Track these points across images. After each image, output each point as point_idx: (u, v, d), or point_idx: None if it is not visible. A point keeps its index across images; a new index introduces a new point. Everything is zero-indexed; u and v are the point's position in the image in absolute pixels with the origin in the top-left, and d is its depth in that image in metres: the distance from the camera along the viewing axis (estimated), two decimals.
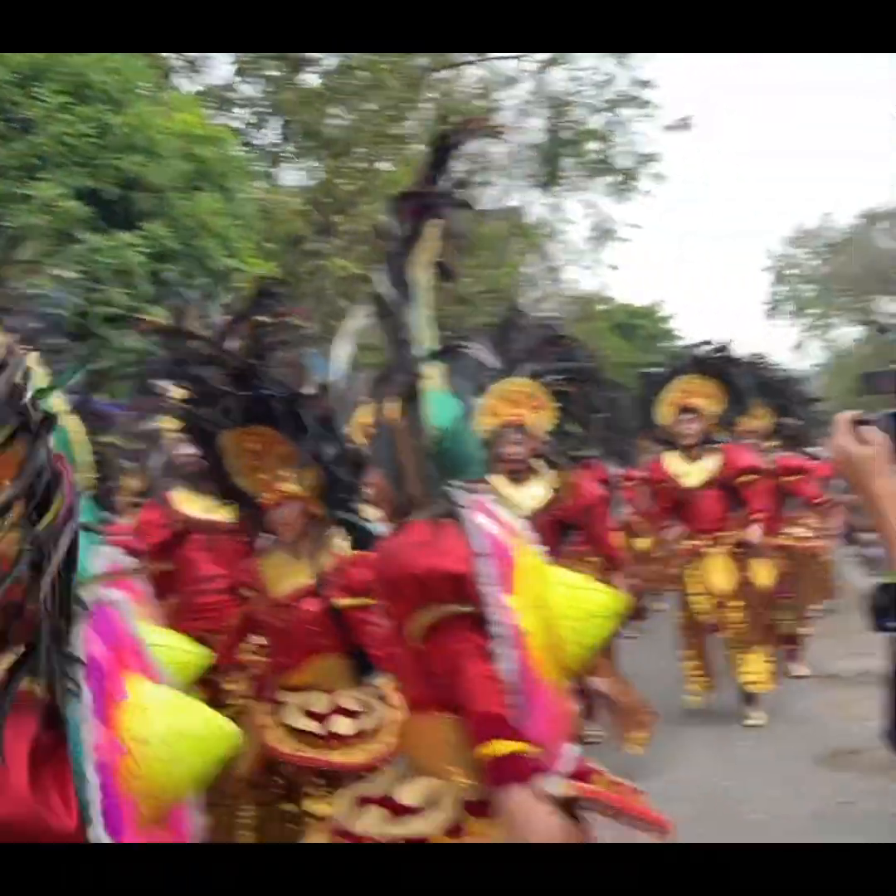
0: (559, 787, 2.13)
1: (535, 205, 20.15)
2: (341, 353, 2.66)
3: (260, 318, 3.54)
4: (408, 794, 2.14)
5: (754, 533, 6.73)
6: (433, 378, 2.38)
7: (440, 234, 2.46)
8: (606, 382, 6.35)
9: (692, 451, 6.75)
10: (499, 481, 5.13)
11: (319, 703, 3.36)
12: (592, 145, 18.30)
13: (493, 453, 5.04)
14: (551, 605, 2.14)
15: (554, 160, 18.25)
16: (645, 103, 18.04)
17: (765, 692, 6.88)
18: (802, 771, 5.74)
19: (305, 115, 12.98)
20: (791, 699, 7.38)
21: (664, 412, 6.84)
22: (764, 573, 6.96)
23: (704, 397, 6.76)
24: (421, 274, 2.39)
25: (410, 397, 2.27)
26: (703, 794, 5.44)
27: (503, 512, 2.38)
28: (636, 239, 41.92)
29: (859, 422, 1.74)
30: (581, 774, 2.25)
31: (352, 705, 3.36)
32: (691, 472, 6.75)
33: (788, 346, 35.48)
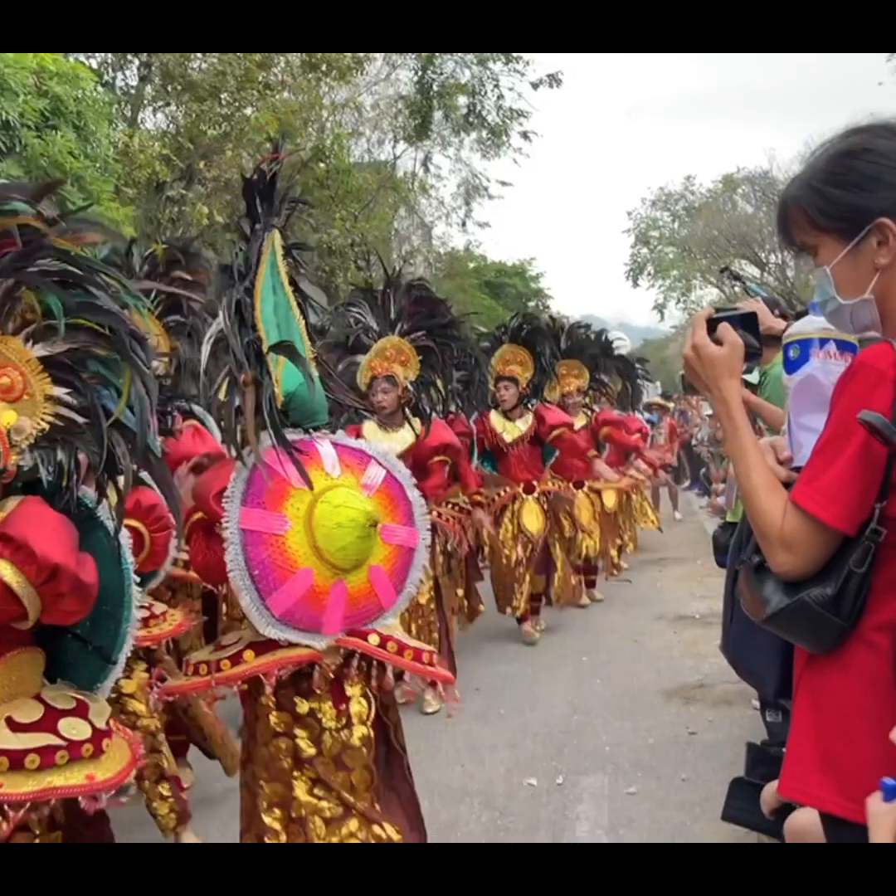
0: (322, 641, 2.96)
1: (404, 159, 20.06)
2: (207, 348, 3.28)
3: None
4: (226, 640, 3.14)
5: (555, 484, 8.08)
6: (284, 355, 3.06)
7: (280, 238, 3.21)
8: (469, 341, 6.94)
9: (510, 412, 7.70)
10: (371, 427, 5.97)
11: None
12: (462, 99, 18.23)
13: (370, 402, 5.92)
14: (314, 517, 2.93)
15: (423, 113, 18.10)
16: (515, 58, 17.99)
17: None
18: (653, 704, 5.99)
19: (166, 56, 12.53)
20: (646, 639, 7.70)
21: (490, 379, 7.63)
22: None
23: (519, 365, 7.72)
24: (265, 280, 3.13)
25: (257, 375, 3.01)
26: (560, 730, 5.62)
27: (327, 448, 3.10)
28: (508, 196, 42.12)
29: (715, 321, 1.80)
30: (363, 634, 3.02)
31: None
32: (508, 429, 7.74)
33: (649, 307, 36.36)
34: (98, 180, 8.86)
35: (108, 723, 2.43)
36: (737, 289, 29.22)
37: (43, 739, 2.25)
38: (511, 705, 6.13)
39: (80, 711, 2.38)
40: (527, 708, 6.05)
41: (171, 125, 13.61)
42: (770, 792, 3.00)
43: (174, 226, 12.20)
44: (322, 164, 15.05)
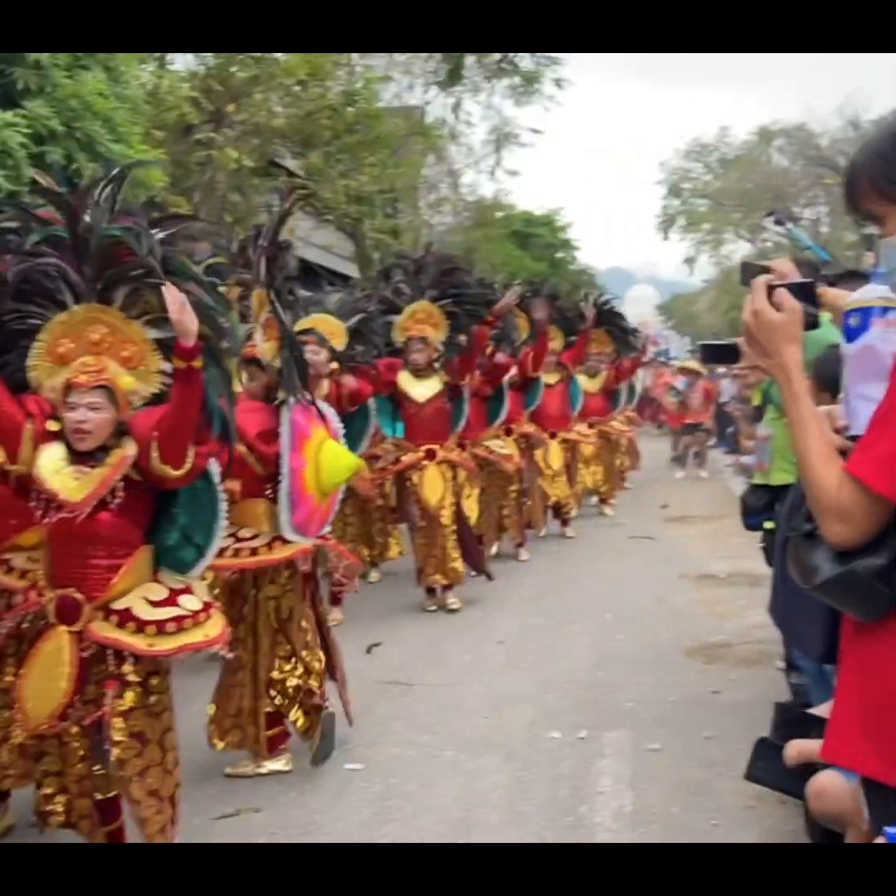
0: (309, 541, 4.47)
1: (434, 105, 19.76)
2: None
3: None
4: (243, 534, 4.38)
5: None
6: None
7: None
8: (492, 304, 7.78)
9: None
10: (406, 377, 7.20)
11: None
12: None
13: (404, 358, 7.20)
14: (319, 461, 4.40)
15: (455, 59, 17.79)
16: None
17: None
18: (675, 662, 6.00)
19: None
20: (669, 597, 7.70)
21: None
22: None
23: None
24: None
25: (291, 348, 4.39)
26: (582, 684, 5.65)
27: (312, 409, 4.51)
28: (538, 145, 41.43)
29: (774, 287, 1.76)
30: (326, 538, 4.71)
31: None
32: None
33: (680, 260, 35.92)
34: (127, 122, 8.76)
35: (208, 597, 3.45)
36: (769, 244, 28.81)
37: (173, 612, 3.23)
38: (533, 658, 6.17)
39: (189, 590, 3.35)
40: (549, 661, 6.09)
41: (200, 67, 13.43)
42: (794, 749, 3.02)
43: (202, 169, 12.09)
44: (351, 109, 14.85)
